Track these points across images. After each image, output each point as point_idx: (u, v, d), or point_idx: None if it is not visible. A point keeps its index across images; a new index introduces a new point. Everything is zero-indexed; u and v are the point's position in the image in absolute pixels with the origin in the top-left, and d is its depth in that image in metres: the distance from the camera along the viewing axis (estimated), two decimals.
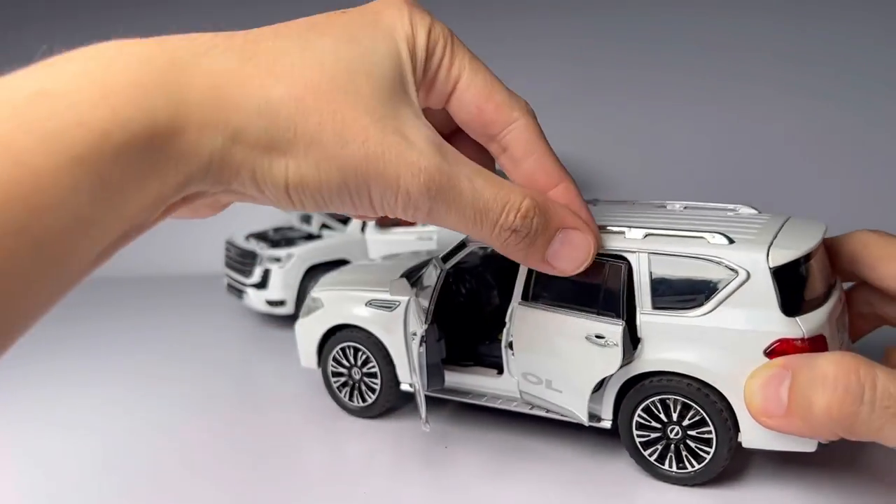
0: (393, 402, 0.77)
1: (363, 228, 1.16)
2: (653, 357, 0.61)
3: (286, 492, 0.66)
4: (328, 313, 0.79)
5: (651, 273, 0.61)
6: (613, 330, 0.60)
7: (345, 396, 0.79)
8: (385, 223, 1.13)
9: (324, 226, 1.19)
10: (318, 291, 0.81)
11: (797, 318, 0.56)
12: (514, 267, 0.65)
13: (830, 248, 0.66)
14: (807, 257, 0.59)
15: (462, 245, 0.71)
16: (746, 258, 0.57)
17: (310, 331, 0.80)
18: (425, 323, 0.66)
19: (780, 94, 1.54)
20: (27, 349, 0.57)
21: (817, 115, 1.56)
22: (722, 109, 1.56)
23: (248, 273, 1.13)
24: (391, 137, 0.45)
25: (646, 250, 0.61)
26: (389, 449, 0.72)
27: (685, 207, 0.71)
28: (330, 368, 0.79)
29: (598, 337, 0.60)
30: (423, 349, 0.66)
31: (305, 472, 0.69)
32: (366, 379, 0.77)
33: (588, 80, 1.57)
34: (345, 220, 1.19)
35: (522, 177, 0.55)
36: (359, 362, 0.77)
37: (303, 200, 0.45)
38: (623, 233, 0.62)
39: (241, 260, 1.16)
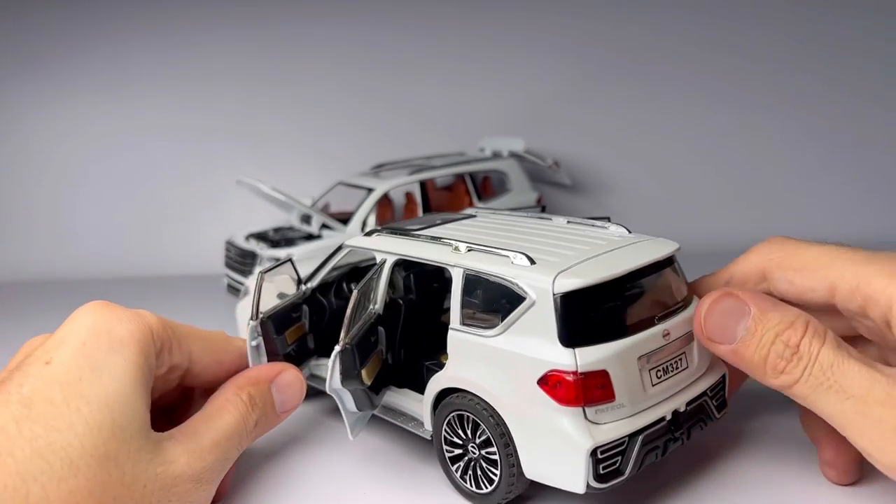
0: None
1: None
2: (452, 373, 0.63)
3: None
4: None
5: (463, 289, 0.61)
6: None
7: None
8: None
9: (324, 226, 1.19)
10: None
11: (576, 350, 0.54)
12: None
13: (735, 272, 0.63)
14: (610, 286, 0.57)
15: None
16: (536, 282, 0.56)
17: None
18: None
19: (779, 94, 1.55)
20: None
21: (816, 121, 1.57)
22: (721, 111, 1.57)
23: (247, 273, 1.13)
24: None
25: (461, 266, 0.62)
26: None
27: (568, 222, 0.70)
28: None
29: None
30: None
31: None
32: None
33: (587, 81, 1.57)
34: (345, 221, 1.19)
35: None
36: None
37: None
38: (454, 246, 0.64)
39: (241, 260, 1.16)
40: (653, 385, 0.58)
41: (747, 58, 1.55)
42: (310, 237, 1.19)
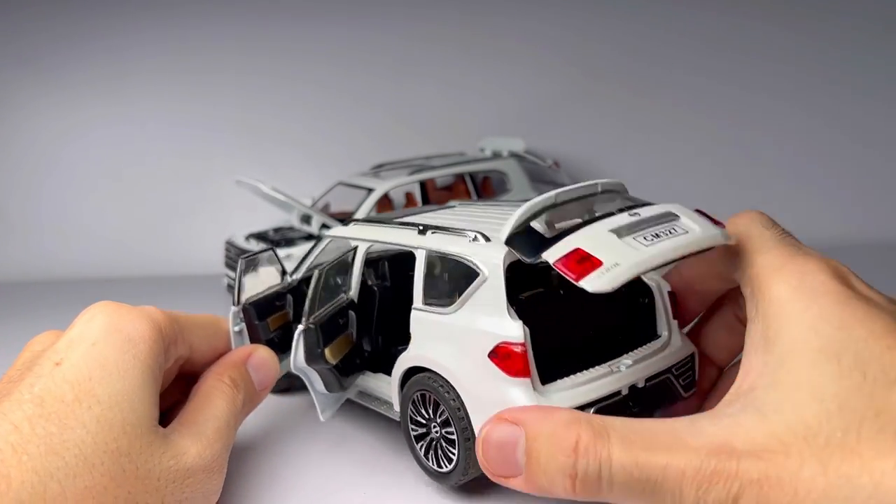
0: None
1: None
2: (415, 352, 0.64)
3: None
4: None
5: (425, 268, 0.63)
6: None
7: None
8: None
9: (324, 226, 1.20)
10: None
11: (547, 250, 0.53)
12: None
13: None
14: (551, 209, 0.58)
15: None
16: (488, 258, 0.58)
17: None
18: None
19: (779, 95, 1.54)
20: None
21: (818, 122, 1.56)
22: (720, 112, 1.56)
23: None
24: None
25: (424, 247, 0.64)
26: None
27: None
28: None
29: None
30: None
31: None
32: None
33: (587, 81, 1.57)
34: (345, 221, 1.20)
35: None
36: None
37: None
38: (420, 229, 0.65)
39: None
40: (646, 246, 0.54)
41: (747, 58, 1.54)
42: (310, 237, 1.20)
